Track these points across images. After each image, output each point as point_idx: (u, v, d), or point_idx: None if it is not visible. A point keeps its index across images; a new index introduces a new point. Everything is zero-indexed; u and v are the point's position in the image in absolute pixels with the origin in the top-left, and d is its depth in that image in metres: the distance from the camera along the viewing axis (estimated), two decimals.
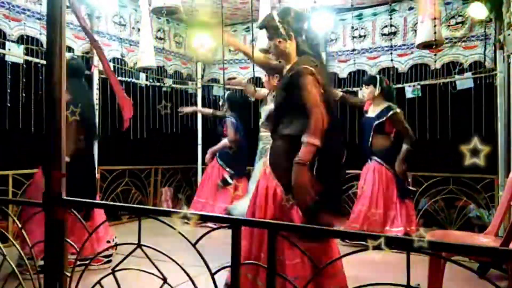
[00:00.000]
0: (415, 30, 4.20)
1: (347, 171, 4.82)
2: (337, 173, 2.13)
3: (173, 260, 1.36)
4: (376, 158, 3.90)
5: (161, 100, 5.10)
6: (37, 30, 3.78)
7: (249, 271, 1.98)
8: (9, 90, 3.48)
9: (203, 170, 5.38)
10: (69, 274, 1.53)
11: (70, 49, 4.08)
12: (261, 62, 2.62)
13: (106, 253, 2.98)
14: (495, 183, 4.10)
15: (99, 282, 1.48)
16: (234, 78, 5.62)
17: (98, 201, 3.16)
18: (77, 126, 2.88)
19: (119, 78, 4.60)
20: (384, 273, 2.81)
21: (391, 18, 4.56)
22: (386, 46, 4.70)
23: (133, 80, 4.76)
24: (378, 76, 4.08)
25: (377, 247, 1.06)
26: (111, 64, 4.54)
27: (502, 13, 3.79)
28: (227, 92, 5.13)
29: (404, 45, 4.69)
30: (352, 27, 4.84)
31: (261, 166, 2.21)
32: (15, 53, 3.62)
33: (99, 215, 3.01)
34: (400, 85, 4.58)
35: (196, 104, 5.61)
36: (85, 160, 3.06)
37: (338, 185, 2.18)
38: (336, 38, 5.05)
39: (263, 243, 1.93)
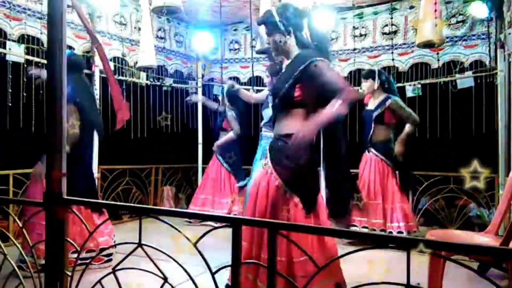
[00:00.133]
0: (416, 29, 4.20)
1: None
2: (343, 173, 2.13)
3: (174, 260, 1.36)
4: (373, 150, 3.93)
5: (162, 99, 5.10)
6: (38, 30, 3.78)
7: (249, 272, 1.98)
8: (10, 90, 3.48)
9: (203, 169, 5.38)
10: (69, 274, 1.53)
11: (70, 48, 4.08)
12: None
13: (106, 252, 2.98)
14: (496, 182, 4.10)
15: (99, 281, 1.48)
16: (235, 77, 5.62)
17: (99, 200, 3.16)
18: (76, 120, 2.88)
19: (120, 77, 4.61)
20: (384, 272, 2.82)
21: (392, 18, 4.56)
22: (387, 45, 4.69)
23: (134, 79, 4.76)
24: (376, 69, 4.10)
25: (378, 247, 1.06)
26: (112, 64, 4.54)
27: (502, 12, 3.79)
28: (226, 87, 5.10)
29: (404, 44, 4.69)
30: (354, 27, 4.85)
31: (261, 167, 2.21)
32: (16, 53, 3.62)
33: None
34: (400, 84, 4.57)
35: (196, 104, 5.61)
36: (82, 155, 3.04)
37: (345, 185, 2.14)
38: (337, 37, 5.05)
39: (264, 244, 1.93)
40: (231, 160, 4.83)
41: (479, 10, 4.02)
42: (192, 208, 4.79)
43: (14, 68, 3.60)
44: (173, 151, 5.49)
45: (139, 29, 4.66)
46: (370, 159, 3.93)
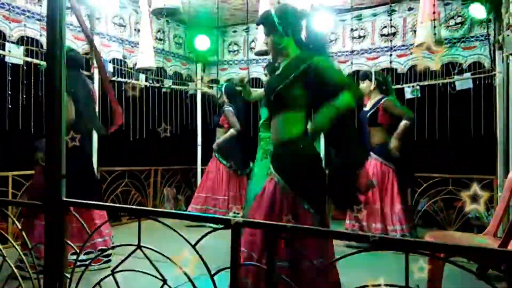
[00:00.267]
0: (415, 31, 4.21)
1: None
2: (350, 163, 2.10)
3: (173, 262, 1.36)
4: (372, 153, 3.92)
5: (161, 101, 5.10)
6: (37, 31, 3.78)
7: (249, 278, 1.96)
8: (9, 92, 3.48)
9: (202, 171, 5.38)
10: (68, 275, 1.53)
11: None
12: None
13: (105, 253, 2.98)
14: (494, 184, 4.10)
15: (99, 283, 1.48)
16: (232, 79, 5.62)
17: (97, 202, 3.15)
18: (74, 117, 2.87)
19: (119, 79, 4.61)
20: (383, 274, 2.82)
21: (391, 20, 4.57)
22: (386, 47, 4.70)
23: (133, 81, 4.76)
24: (373, 70, 4.11)
25: (375, 248, 1.07)
26: (111, 65, 4.55)
27: (501, 13, 3.80)
28: (225, 84, 5.10)
29: (403, 45, 4.70)
30: (351, 29, 4.86)
31: (264, 169, 2.20)
32: (15, 54, 3.63)
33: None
34: (399, 86, 4.58)
35: (196, 105, 5.62)
36: (81, 156, 3.02)
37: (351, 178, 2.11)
38: (336, 39, 5.06)
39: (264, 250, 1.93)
40: (232, 167, 4.82)
41: (478, 12, 4.03)
42: (193, 207, 4.78)
43: (14, 70, 3.60)
44: (172, 153, 5.49)
45: (138, 30, 4.66)
46: (369, 162, 3.90)
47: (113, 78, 4.53)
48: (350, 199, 2.12)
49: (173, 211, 4.40)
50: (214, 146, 4.86)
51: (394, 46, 4.70)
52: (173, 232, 1.37)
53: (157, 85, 5.10)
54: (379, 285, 1.10)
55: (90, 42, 1.85)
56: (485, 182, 4.25)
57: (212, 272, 1.29)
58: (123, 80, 4.65)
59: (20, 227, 1.85)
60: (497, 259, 1.90)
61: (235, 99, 4.78)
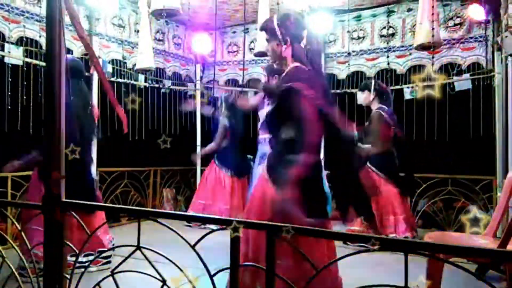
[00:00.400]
0: (414, 32, 4.22)
1: None
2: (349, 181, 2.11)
3: (172, 262, 1.36)
4: (368, 163, 3.93)
5: (160, 102, 5.10)
6: (37, 32, 3.78)
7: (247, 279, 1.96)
8: (9, 93, 3.48)
9: (202, 171, 5.39)
10: (68, 276, 1.53)
11: (69, 51, 4.08)
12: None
13: (105, 254, 2.98)
14: (493, 184, 4.11)
15: (98, 284, 1.48)
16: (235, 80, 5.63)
17: (97, 203, 3.15)
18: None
19: (118, 79, 4.61)
20: (382, 275, 2.83)
21: (388, 22, 4.59)
22: (385, 48, 4.71)
23: (132, 81, 4.76)
24: (372, 81, 4.11)
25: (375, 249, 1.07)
26: (110, 66, 4.55)
27: (499, 14, 3.81)
28: (225, 95, 5.14)
29: (402, 46, 4.71)
30: (348, 31, 4.87)
31: (260, 171, 2.20)
32: (15, 55, 3.63)
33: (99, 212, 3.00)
34: (398, 87, 4.59)
35: (195, 106, 5.62)
36: (79, 166, 3.01)
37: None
38: (335, 40, 5.06)
39: (261, 249, 1.93)
40: (231, 173, 4.84)
41: (477, 13, 4.04)
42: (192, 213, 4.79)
43: (13, 70, 3.60)
44: (172, 154, 5.49)
45: (138, 31, 4.66)
46: (368, 171, 3.92)
47: (113, 79, 4.53)
48: (361, 205, 2.13)
49: (172, 211, 4.41)
50: (198, 154, 5.03)
51: (393, 47, 4.72)
52: (172, 233, 1.37)
53: (157, 85, 5.10)
54: (379, 285, 1.10)
55: (86, 45, 1.84)
56: (484, 182, 4.26)
57: (212, 273, 1.29)
58: (122, 80, 4.65)
59: (19, 228, 1.85)
60: (496, 260, 1.91)
61: (234, 109, 4.81)
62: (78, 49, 4.23)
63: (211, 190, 4.81)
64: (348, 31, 4.89)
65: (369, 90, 3.96)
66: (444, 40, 4.22)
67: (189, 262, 1.38)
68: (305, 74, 2.03)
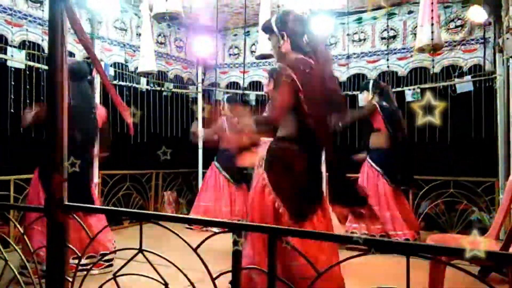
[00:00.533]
0: (415, 34, 4.22)
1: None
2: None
3: (174, 265, 1.37)
4: (368, 158, 3.98)
5: (162, 104, 5.11)
6: (39, 36, 3.80)
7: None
8: (12, 96, 3.49)
9: (203, 174, 5.39)
10: (70, 279, 1.54)
11: (71, 54, 4.09)
12: None
13: (107, 257, 2.98)
14: (496, 186, 4.10)
15: (101, 287, 1.48)
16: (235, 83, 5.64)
17: (99, 206, 3.16)
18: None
19: (120, 82, 4.63)
20: (384, 277, 2.82)
21: (387, 25, 4.60)
22: (386, 50, 4.72)
23: (134, 84, 4.78)
24: (371, 80, 4.15)
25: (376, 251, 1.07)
26: (112, 69, 4.57)
27: (501, 16, 3.81)
28: (227, 95, 5.15)
29: (403, 48, 4.71)
30: (348, 34, 4.88)
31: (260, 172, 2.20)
32: (17, 59, 3.64)
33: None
34: (399, 89, 4.59)
35: (196, 108, 5.63)
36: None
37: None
38: (336, 42, 5.07)
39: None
40: (229, 177, 4.83)
41: (478, 15, 4.04)
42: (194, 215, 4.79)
43: (15, 74, 3.62)
44: (174, 156, 5.49)
45: (140, 34, 4.68)
46: (366, 166, 3.99)
47: (115, 82, 4.55)
48: (352, 197, 2.12)
49: (174, 214, 4.40)
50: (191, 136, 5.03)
51: (395, 49, 4.72)
52: (174, 236, 1.37)
53: (158, 88, 5.12)
54: None
55: (87, 48, 1.84)
56: (487, 184, 4.25)
57: (214, 276, 1.30)
58: (124, 83, 4.66)
59: (22, 231, 1.86)
60: (498, 262, 1.90)
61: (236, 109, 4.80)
62: (80, 53, 4.25)
63: (212, 192, 4.82)
64: (348, 34, 4.90)
65: (368, 90, 4.01)
66: (446, 42, 4.22)
67: (191, 265, 1.38)
68: (300, 62, 2.03)
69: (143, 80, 4.91)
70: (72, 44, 4.13)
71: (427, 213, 4.55)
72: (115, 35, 4.64)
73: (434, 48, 3.53)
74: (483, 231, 3.50)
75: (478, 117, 4.15)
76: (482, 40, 4.25)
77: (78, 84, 3.02)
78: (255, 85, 5.52)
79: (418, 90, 4.53)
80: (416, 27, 3.95)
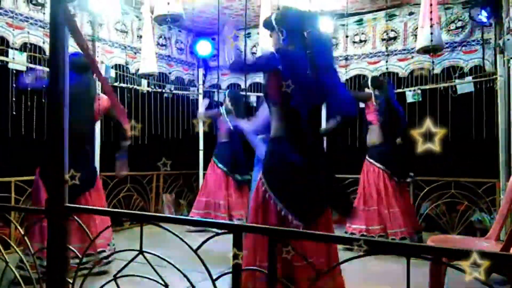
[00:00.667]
0: (415, 35, 4.23)
1: (347, 176, 4.86)
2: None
3: (175, 267, 1.37)
4: (368, 155, 3.99)
5: (163, 106, 5.12)
6: (40, 38, 3.81)
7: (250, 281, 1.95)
8: (13, 99, 3.50)
9: (204, 175, 5.39)
10: (71, 281, 1.54)
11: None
12: None
13: (105, 254, 2.97)
14: (496, 187, 4.09)
15: None
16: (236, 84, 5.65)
17: (100, 207, 3.16)
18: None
19: (121, 84, 4.64)
20: (385, 278, 2.82)
21: (386, 26, 4.60)
22: (386, 51, 4.72)
23: (135, 86, 4.79)
24: (369, 78, 4.18)
25: (377, 253, 1.07)
26: (113, 71, 4.58)
27: (501, 17, 3.81)
28: (229, 90, 5.15)
29: (404, 49, 4.71)
30: (347, 36, 4.88)
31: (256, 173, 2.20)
32: (19, 61, 3.65)
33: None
34: (400, 90, 4.59)
35: (197, 110, 5.63)
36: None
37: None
38: (337, 44, 5.07)
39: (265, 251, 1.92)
40: (227, 170, 4.83)
41: (479, 16, 4.05)
42: (194, 212, 4.79)
43: (17, 76, 3.62)
44: (174, 157, 5.49)
45: (141, 36, 4.69)
46: (365, 164, 4.00)
47: (116, 84, 4.56)
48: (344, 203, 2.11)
49: (175, 216, 4.40)
50: (198, 115, 5.01)
51: (395, 50, 4.73)
52: (175, 237, 1.37)
53: (159, 90, 5.13)
54: None
55: (86, 54, 1.83)
56: (487, 185, 4.24)
57: (214, 277, 1.30)
58: (125, 85, 4.67)
59: (22, 233, 1.86)
60: (499, 263, 1.90)
61: (239, 103, 4.79)
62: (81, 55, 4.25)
63: (211, 186, 4.82)
64: (347, 36, 4.91)
65: (368, 87, 4.03)
66: (446, 43, 4.22)
67: (191, 266, 1.39)
68: (290, 54, 2.02)
69: (144, 82, 4.92)
70: (73, 46, 4.12)
71: (428, 214, 4.55)
72: (116, 37, 4.66)
73: (435, 49, 3.54)
74: (484, 232, 3.52)
75: (479, 118, 4.15)
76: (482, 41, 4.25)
77: (78, 76, 3.01)
78: (256, 87, 5.52)
79: (419, 91, 4.53)
80: (417, 28, 3.96)
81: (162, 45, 5.29)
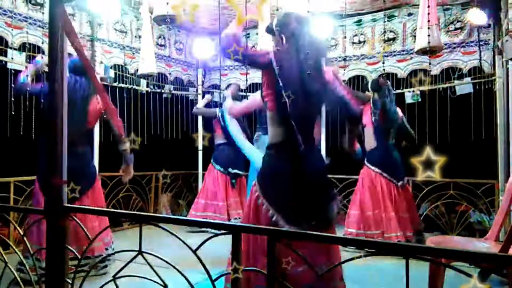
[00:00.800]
0: (414, 36, 4.23)
1: (345, 177, 4.87)
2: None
3: (174, 267, 1.37)
4: (365, 160, 3.99)
5: (162, 107, 5.12)
6: (39, 38, 3.81)
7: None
8: (12, 99, 3.49)
9: (203, 175, 5.39)
10: (70, 281, 1.54)
11: (70, 56, 4.09)
12: None
13: (102, 258, 2.96)
14: (495, 188, 4.10)
15: None
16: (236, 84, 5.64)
17: (99, 208, 3.16)
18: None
19: (120, 84, 4.63)
20: (384, 279, 2.82)
21: (384, 27, 4.61)
22: (386, 52, 4.73)
23: (134, 86, 4.78)
24: (369, 81, 4.17)
25: (376, 254, 1.07)
26: (112, 71, 4.58)
27: (500, 18, 3.82)
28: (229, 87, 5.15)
29: (403, 50, 4.72)
30: (345, 37, 4.89)
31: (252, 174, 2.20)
32: (17, 61, 3.65)
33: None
34: (399, 91, 4.60)
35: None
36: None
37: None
38: (336, 44, 5.08)
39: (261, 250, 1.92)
40: (224, 171, 4.83)
41: (477, 17, 4.05)
42: (193, 213, 4.79)
43: (15, 76, 3.61)
44: (174, 158, 5.50)
45: (140, 36, 4.69)
46: (363, 167, 4.01)
47: (115, 84, 4.56)
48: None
49: (173, 216, 4.39)
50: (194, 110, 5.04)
51: (394, 51, 4.73)
52: (174, 238, 1.37)
53: (158, 90, 5.13)
54: None
55: (79, 53, 1.82)
56: (486, 186, 4.25)
57: (213, 277, 1.30)
58: (124, 86, 4.67)
59: (21, 233, 1.86)
60: (498, 264, 1.90)
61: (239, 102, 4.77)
62: None
63: (209, 188, 4.83)
64: (345, 37, 4.92)
65: (369, 90, 4.04)
66: (445, 44, 4.23)
67: (190, 266, 1.39)
68: (286, 57, 2.02)
69: (143, 82, 4.92)
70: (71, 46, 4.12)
71: (427, 214, 4.55)
72: (115, 37, 4.65)
73: (433, 50, 3.54)
74: (483, 232, 3.52)
75: (477, 119, 4.16)
76: (482, 42, 4.25)
77: (76, 79, 3.01)
78: (256, 87, 5.52)
79: (418, 92, 4.54)
80: (416, 29, 3.96)
81: (161, 45, 5.29)
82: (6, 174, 3.68)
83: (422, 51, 3.61)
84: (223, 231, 1.31)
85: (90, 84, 3.08)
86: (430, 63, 4.32)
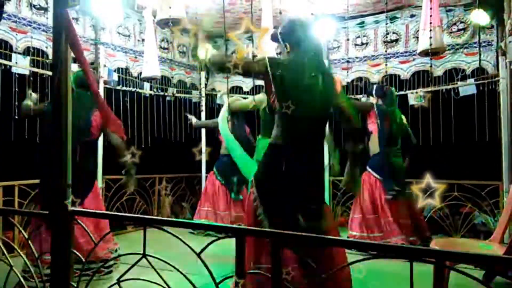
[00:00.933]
0: (417, 37, 4.23)
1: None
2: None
3: (178, 270, 1.37)
4: (367, 165, 3.99)
5: (166, 109, 5.13)
6: (43, 42, 3.83)
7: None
8: (16, 103, 3.51)
9: (207, 178, 5.39)
10: (75, 284, 1.54)
11: (75, 61, 4.11)
12: None
13: (107, 264, 2.96)
14: (500, 189, 4.08)
15: None
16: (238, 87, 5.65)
17: (103, 211, 3.16)
18: None
19: (124, 88, 4.65)
20: (389, 282, 2.81)
21: (386, 29, 4.61)
22: (388, 54, 4.72)
23: (138, 89, 4.80)
24: (374, 86, 4.16)
25: (380, 256, 1.07)
26: (116, 74, 4.60)
27: (503, 19, 3.81)
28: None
29: (406, 52, 4.71)
30: (348, 39, 4.89)
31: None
32: (22, 65, 3.67)
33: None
34: (402, 92, 4.59)
35: (200, 113, 5.63)
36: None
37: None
38: (339, 46, 5.08)
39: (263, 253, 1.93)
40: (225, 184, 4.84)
41: (480, 18, 4.04)
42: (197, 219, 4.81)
43: (20, 80, 3.64)
44: (177, 161, 5.50)
45: (143, 40, 4.71)
46: (364, 173, 3.98)
47: (118, 87, 4.58)
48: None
49: (177, 219, 4.39)
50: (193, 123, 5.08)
51: (397, 53, 4.73)
52: (178, 241, 1.37)
53: (162, 93, 5.14)
54: None
55: (79, 58, 1.82)
56: (491, 187, 4.23)
57: (217, 280, 1.30)
58: (127, 89, 4.69)
59: (26, 236, 1.86)
60: (502, 266, 1.89)
61: (237, 113, 4.74)
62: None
63: (210, 197, 4.84)
64: (348, 39, 4.92)
65: (373, 96, 4.03)
66: (448, 45, 4.22)
67: (194, 269, 1.39)
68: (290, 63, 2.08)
69: (147, 85, 4.93)
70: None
71: (431, 216, 4.53)
72: (119, 41, 4.67)
73: (436, 52, 3.53)
74: (488, 234, 3.50)
75: (481, 120, 4.14)
76: (485, 44, 4.24)
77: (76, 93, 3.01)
78: (258, 89, 5.51)
79: (421, 94, 4.52)
80: (419, 30, 3.96)
81: (164, 48, 5.31)
82: (11, 177, 3.70)
83: (425, 53, 3.61)
84: (227, 235, 1.31)
85: (87, 96, 3.04)
86: (431, 66, 4.31)
